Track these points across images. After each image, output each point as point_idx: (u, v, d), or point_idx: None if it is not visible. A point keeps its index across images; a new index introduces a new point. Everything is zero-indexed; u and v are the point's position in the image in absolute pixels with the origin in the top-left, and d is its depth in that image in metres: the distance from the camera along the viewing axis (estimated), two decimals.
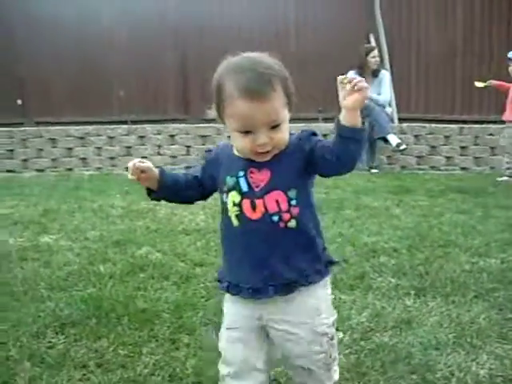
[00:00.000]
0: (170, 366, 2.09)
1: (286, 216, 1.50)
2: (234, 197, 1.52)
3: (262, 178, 1.52)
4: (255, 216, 1.50)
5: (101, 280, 3.01)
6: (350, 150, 1.44)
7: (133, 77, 8.67)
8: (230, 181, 1.54)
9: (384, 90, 7.85)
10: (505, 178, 6.85)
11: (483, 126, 8.41)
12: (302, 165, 1.51)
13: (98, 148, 8.34)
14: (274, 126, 1.46)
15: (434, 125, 8.24)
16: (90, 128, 8.31)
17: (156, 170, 1.59)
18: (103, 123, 8.40)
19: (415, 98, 8.88)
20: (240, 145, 1.49)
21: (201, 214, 4.67)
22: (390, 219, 4.47)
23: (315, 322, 1.56)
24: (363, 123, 1.45)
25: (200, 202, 4.39)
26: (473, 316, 2.55)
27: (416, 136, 8.25)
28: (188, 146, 8.40)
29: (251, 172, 1.52)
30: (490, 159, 8.31)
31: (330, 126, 8.13)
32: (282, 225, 1.50)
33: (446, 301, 2.74)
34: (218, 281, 1.63)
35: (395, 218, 4.51)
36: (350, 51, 8.03)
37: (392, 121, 8.18)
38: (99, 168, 8.26)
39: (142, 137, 8.35)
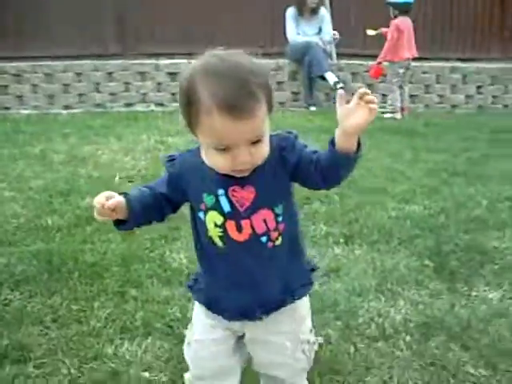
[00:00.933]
0: (121, 320, 2.30)
1: (274, 234, 1.39)
2: (214, 217, 1.38)
3: (246, 196, 1.37)
4: (241, 238, 1.37)
5: (49, 234, 3.15)
6: (340, 175, 1.34)
7: (70, 11, 8.46)
8: (208, 200, 1.39)
9: (325, 29, 7.98)
10: (388, 115, 7.35)
11: (417, 63, 8.65)
12: (287, 177, 1.39)
13: (35, 85, 8.20)
14: (256, 141, 1.29)
15: (371, 62, 8.43)
16: (24, 65, 8.14)
17: (122, 200, 1.36)
18: (39, 58, 8.24)
19: (354, 34, 9.02)
20: (216, 162, 1.32)
21: (142, 160, 4.79)
22: None
23: (300, 329, 1.52)
24: (359, 143, 1.28)
25: (143, 146, 4.51)
26: (394, 263, 2.84)
27: (353, 73, 8.44)
28: (127, 83, 8.32)
29: (233, 190, 1.36)
30: (424, 97, 8.61)
31: (270, 62, 8.30)
32: (270, 245, 1.39)
33: (371, 248, 3.02)
34: (190, 288, 1.57)
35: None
36: None
37: (331, 58, 8.33)
38: (36, 106, 8.13)
39: (79, 74, 8.23)
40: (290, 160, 1.36)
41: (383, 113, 7.45)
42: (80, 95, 8.17)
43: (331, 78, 7.71)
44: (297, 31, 7.94)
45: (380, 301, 2.47)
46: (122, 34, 8.70)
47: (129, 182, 4.17)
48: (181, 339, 2.09)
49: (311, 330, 1.55)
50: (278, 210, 1.38)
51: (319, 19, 7.98)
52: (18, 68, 8.12)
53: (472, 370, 2.01)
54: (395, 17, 7.48)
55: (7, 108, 8.02)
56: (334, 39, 7.81)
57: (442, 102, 8.61)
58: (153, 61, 8.37)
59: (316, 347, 1.56)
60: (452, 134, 6.19)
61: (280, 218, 1.38)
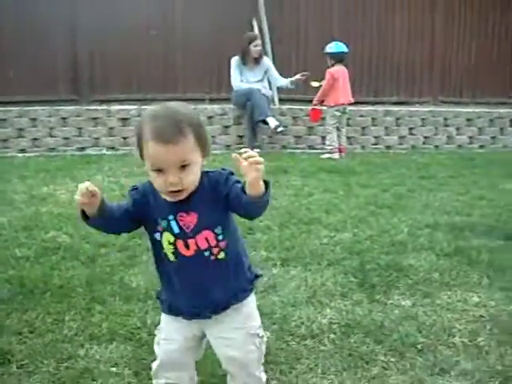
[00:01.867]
0: (89, 329, 2.68)
1: (216, 250, 1.77)
2: (168, 237, 1.76)
3: (190, 220, 1.75)
4: (189, 253, 1.76)
5: (19, 262, 3.51)
6: (258, 208, 1.72)
7: (25, 58, 8.81)
8: (162, 223, 1.77)
9: (275, 75, 8.63)
10: (326, 155, 7.97)
11: (355, 108, 9.31)
12: (222, 205, 1.75)
13: None
14: (184, 166, 1.66)
15: (310, 107, 9.03)
16: None
17: (100, 196, 1.69)
18: None
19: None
20: (155, 183, 1.70)
21: None
22: None
23: (249, 325, 1.87)
24: (266, 185, 1.65)
25: (98, 186, 4.94)
26: (324, 280, 3.30)
27: (294, 117, 9.02)
28: (80, 128, 8.68)
29: (180, 216, 1.75)
30: (360, 138, 9.24)
31: (216, 107, 8.84)
32: (212, 258, 1.77)
33: (304, 269, 3.48)
34: (158, 299, 1.95)
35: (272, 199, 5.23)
36: (233, 36, 8.71)
37: (273, 103, 8.91)
38: None
39: (33, 119, 8.55)
40: (222, 192, 1.74)
41: (322, 153, 8.05)
42: (34, 139, 8.49)
43: (272, 122, 8.25)
44: (240, 79, 8.49)
45: (310, 309, 2.92)
46: (76, 80, 9.12)
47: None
48: (141, 343, 2.55)
49: (260, 326, 1.91)
50: (218, 230, 1.77)
51: (262, 67, 8.57)
52: None
53: (382, 358, 2.46)
54: (332, 65, 8.13)
55: None
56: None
57: (378, 143, 9.27)
58: (105, 107, 8.78)
59: (265, 339, 1.94)
60: (384, 172, 6.78)
61: (220, 237, 1.77)
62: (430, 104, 10.13)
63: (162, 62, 9.36)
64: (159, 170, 1.67)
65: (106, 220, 1.74)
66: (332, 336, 2.64)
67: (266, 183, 1.67)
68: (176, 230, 1.76)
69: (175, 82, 9.36)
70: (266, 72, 8.66)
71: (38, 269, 3.40)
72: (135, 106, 8.73)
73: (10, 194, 5.35)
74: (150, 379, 2.19)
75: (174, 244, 1.77)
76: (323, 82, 8.16)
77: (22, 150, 8.34)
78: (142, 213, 1.79)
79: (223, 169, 1.80)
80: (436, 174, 6.73)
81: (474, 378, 2.31)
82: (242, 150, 1.64)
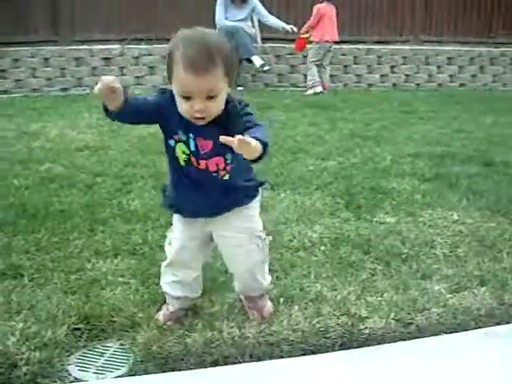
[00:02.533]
0: (94, 246, 2.82)
1: (222, 173, 1.92)
2: (182, 147, 1.88)
3: (206, 145, 1.87)
4: (200, 166, 1.90)
5: (18, 191, 3.62)
6: (262, 159, 1.77)
7: None
8: (181, 135, 1.86)
9: (264, 12, 8.66)
10: (310, 91, 8.11)
11: (338, 46, 9.36)
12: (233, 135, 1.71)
13: None
14: (211, 97, 1.74)
15: (293, 45, 9.06)
16: None
17: (122, 89, 1.73)
18: None
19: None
20: (181, 108, 1.78)
21: (88, 133, 5.28)
22: None
23: (252, 226, 2.04)
24: (264, 146, 1.72)
25: (86, 122, 5.07)
26: (312, 202, 3.47)
27: (277, 56, 9.08)
28: (63, 68, 8.66)
29: (199, 139, 1.86)
30: (343, 77, 9.34)
31: None
32: (219, 177, 1.92)
33: (293, 192, 3.64)
34: (163, 192, 2.07)
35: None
36: None
37: (256, 41, 8.94)
38: None
39: (16, 60, 8.50)
40: (234, 125, 1.81)
41: (305, 91, 8.16)
42: (17, 81, 8.47)
43: (257, 60, 8.32)
44: (225, 16, 8.49)
45: (300, 226, 3.09)
46: (56, 20, 9.03)
47: (79, 151, 4.65)
48: (144, 257, 2.70)
49: (261, 230, 2.08)
50: (228, 157, 1.89)
51: (249, 6, 8.57)
52: None
53: (370, 265, 2.65)
54: (320, 2, 8.18)
55: None
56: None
57: (360, 81, 9.38)
58: (86, 46, 8.74)
59: (267, 242, 2.11)
60: (366, 107, 6.93)
61: (229, 161, 1.90)
62: (411, 43, 10.20)
63: (144, 1, 9.29)
64: (187, 97, 1.75)
65: (128, 115, 1.80)
66: (323, 248, 2.82)
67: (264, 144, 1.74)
68: (192, 147, 1.88)
69: (156, 21, 9.32)
70: (252, 10, 8.65)
71: (37, 196, 3.53)
72: (118, 46, 8.73)
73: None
74: (156, 285, 2.37)
75: (187, 156, 1.90)
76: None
77: (5, 92, 8.32)
78: (163, 116, 1.87)
79: (240, 101, 1.87)
80: (417, 109, 6.90)
81: (454, 282, 2.51)
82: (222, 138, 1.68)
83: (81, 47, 8.72)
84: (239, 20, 8.50)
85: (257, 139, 1.70)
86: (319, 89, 8.09)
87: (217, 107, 1.79)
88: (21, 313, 2.22)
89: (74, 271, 2.58)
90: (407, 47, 9.77)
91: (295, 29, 8.40)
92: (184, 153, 1.90)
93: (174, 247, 2.08)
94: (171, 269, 2.12)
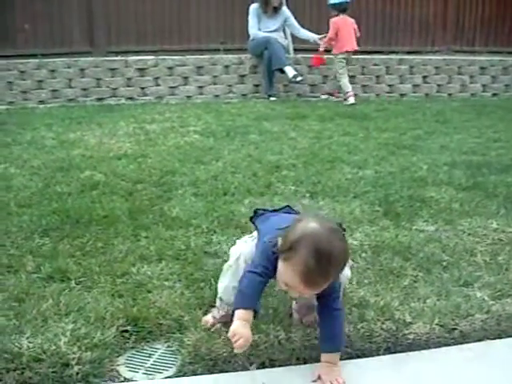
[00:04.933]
0: (138, 251, 2.89)
1: None
2: None
3: None
4: None
5: (61, 197, 3.70)
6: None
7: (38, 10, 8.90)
8: None
9: (296, 24, 8.78)
10: (346, 102, 8.26)
11: (368, 56, 9.39)
12: None
13: (10, 83, 8.61)
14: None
15: (325, 56, 9.09)
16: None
17: (251, 316, 1.88)
18: (10, 57, 8.65)
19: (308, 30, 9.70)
20: (280, 285, 1.91)
21: (127, 142, 5.36)
22: (288, 141, 5.38)
23: None
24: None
25: (124, 131, 5.16)
26: (351, 209, 3.49)
27: (310, 66, 9.11)
28: (98, 79, 8.80)
29: None
30: (375, 87, 9.35)
31: (232, 56, 8.96)
32: None
33: (332, 200, 3.67)
34: None
35: (293, 140, 5.43)
36: None
37: (288, 52, 9.00)
38: (11, 102, 8.53)
39: (52, 71, 8.67)
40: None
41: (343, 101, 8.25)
42: (53, 91, 8.63)
43: (290, 71, 8.37)
44: (258, 27, 8.57)
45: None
46: (91, 33, 9.22)
47: (118, 159, 4.74)
48: (188, 262, 2.76)
49: None
50: None
51: (281, 16, 8.66)
52: None
53: (411, 272, 2.67)
54: (336, 15, 8.35)
55: None
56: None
57: (392, 92, 9.37)
58: (122, 58, 8.88)
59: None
60: (400, 117, 6.92)
61: None
62: (443, 53, 10.18)
63: (177, 13, 9.43)
64: (286, 285, 1.86)
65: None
66: (363, 255, 2.84)
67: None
68: None
69: (189, 33, 9.46)
70: (284, 21, 8.74)
71: (80, 202, 3.60)
72: (152, 57, 8.85)
73: (39, 139, 5.52)
74: (201, 289, 2.43)
75: None
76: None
77: (42, 102, 8.48)
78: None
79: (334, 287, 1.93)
80: (451, 118, 6.87)
81: (496, 289, 2.51)
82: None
83: (116, 58, 8.85)
84: (272, 30, 8.58)
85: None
86: (352, 100, 8.13)
87: (315, 293, 1.90)
88: (70, 315, 2.28)
89: (119, 275, 2.64)
90: (439, 57, 9.73)
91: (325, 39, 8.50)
92: None
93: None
94: (235, 274, 2.12)
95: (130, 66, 8.81)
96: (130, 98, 8.72)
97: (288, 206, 2.33)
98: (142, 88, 8.81)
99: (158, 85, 8.86)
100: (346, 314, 2.23)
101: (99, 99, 8.67)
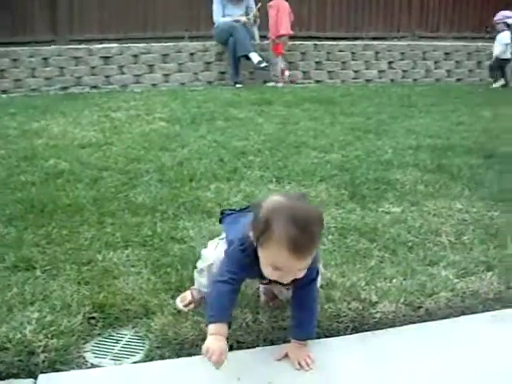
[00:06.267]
0: (104, 238, 2.85)
1: None
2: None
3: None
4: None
5: (25, 186, 3.64)
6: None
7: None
8: (252, 280, 2.06)
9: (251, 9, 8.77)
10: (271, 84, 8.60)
11: (334, 42, 9.42)
12: None
13: None
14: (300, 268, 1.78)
15: (290, 42, 9.08)
16: None
17: (225, 333, 1.83)
18: None
19: None
20: (266, 272, 1.80)
21: (91, 131, 5.29)
22: (254, 127, 5.37)
23: None
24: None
25: (88, 120, 5.06)
26: (317, 193, 3.51)
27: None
28: (61, 68, 8.66)
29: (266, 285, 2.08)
30: (341, 73, 9.38)
31: (197, 44, 8.91)
32: None
33: (298, 184, 3.68)
34: None
35: (259, 126, 5.42)
36: None
37: (254, 38, 8.97)
38: None
39: (15, 60, 8.50)
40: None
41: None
42: (16, 80, 8.48)
43: (255, 57, 8.36)
44: (223, 14, 8.53)
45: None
46: (54, 21, 9.06)
47: (82, 148, 4.67)
48: (154, 248, 2.72)
49: None
50: None
51: (245, 2, 8.64)
52: None
53: (377, 253, 2.69)
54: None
55: None
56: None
57: (358, 77, 9.42)
58: (85, 46, 8.76)
59: None
60: (366, 102, 6.97)
61: None
62: (408, 39, 10.26)
63: (141, 0, 9.34)
64: (277, 268, 1.76)
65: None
66: (330, 237, 2.85)
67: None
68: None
69: (154, 19, 9.38)
70: (246, 8, 8.72)
71: (44, 191, 3.54)
72: (116, 45, 8.76)
73: (1, 129, 5.42)
74: (168, 274, 2.41)
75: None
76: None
77: (4, 91, 8.32)
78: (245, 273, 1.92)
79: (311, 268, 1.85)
80: (416, 103, 6.94)
81: (461, 267, 2.54)
82: None
83: (79, 46, 8.72)
84: (237, 17, 8.54)
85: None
86: (280, 84, 8.52)
87: (302, 274, 1.81)
88: (35, 303, 2.25)
89: (85, 263, 2.61)
90: (404, 43, 9.80)
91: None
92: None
93: None
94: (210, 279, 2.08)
95: (94, 54, 8.71)
96: (95, 87, 8.62)
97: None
98: (107, 76, 8.72)
99: (122, 73, 8.78)
100: None
101: (63, 88, 8.55)
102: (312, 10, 10.01)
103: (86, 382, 1.87)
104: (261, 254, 1.78)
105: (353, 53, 9.40)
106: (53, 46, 8.71)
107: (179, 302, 2.22)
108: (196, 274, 2.21)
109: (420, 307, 2.24)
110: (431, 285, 2.36)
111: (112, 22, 9.24)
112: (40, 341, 1.98)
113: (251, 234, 1.80)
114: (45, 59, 8.59)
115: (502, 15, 9.18)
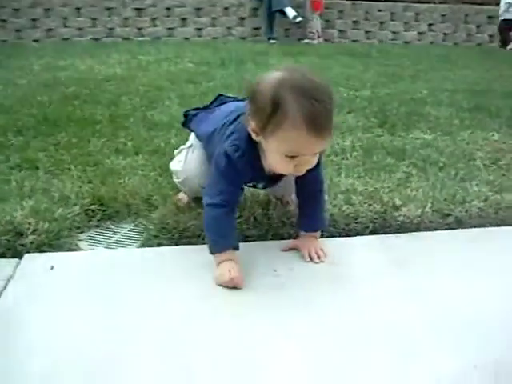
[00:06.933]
0: (114, 145, 2.70)
1: None
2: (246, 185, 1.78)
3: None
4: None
5: (41, 105, 3.52)
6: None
7: None
8: (251, 184, 1.80)
9: None
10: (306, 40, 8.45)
11: (373, 2, 9.11)
12: None
13: (3, 20, 8.36)
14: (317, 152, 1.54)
15: (328, 0, 8.82)
16: None
17: (236, 255, 1.63)
18: None
19: None
20: (280, 166, 1.54)
21: (117, 68, 5.16)
22: None
23: None
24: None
25: (116, 60, 4.90)
26: (344, 119, 3.30)
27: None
28: (94, 19, 8.56)
29: (270, 185, 1.82)
30: (378, 33, 9.08)
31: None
32: None
33: None
34: None
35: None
36: None
37: None
38: (4, 41, 8.28)
39: (47, 9, 8.42)
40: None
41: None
42: (48, 30, 8.40)
43: (290, 11, 8.12)
44: None
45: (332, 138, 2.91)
46: None
47: (106, 81, 4.53)
48: (165, 155, 2.54)
49: None
50: None
51: None
52: None
53: (405, 169, 2.46)
54: None
55: None
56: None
57: (396, 39, 9.10)
58: None
59: None
60: (402, 57, 6.68)
61: None
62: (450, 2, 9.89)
63: None
64: (292, 156, 1.49)
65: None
66: (354, 153, 2.64)
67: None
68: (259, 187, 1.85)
69: None
70: None
71: (60, 109, 3.42)
72: None
73: (27, 65, 5.33)
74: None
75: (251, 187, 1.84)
76: None
77: (36, 41, 8.25)
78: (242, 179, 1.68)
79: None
80: (455, 60, 6.63)
81: (496, 185, 2.31)
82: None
83: None
84: None
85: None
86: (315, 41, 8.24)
87: (316, 160, 1.57)
88: (33, 197, 2.09)
89: (91, 165, 2.46)
90: (446, 5, 9.43)
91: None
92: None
93: None
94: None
95: (128, 5, 8.55)
96: (127, 39, 8.49)
97: (220, 94, 2.04)
98: (139, 28, 8.60)
99: (155, 25, 8.65)
100: (330, 199, 2.05)
101: (95, 39, 8.44)
102: None
103: (74, 263, 1.72)
104: (270, 144, 1.51)
105: (392, 13, 9.07)
106: None
107: (177, 201, 2.05)
108: (179, 186, 2.04)
109: (449, 215, 2.02)
110: (462, 194, 2.15)
111: None
112: (30, 224, 1.83)
113: (252, 124, 1.52)
114: (77, 9, 8.48)
115: None
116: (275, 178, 1.74)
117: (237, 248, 1.64)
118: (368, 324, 1.43)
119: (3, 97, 3.82)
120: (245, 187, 1.76)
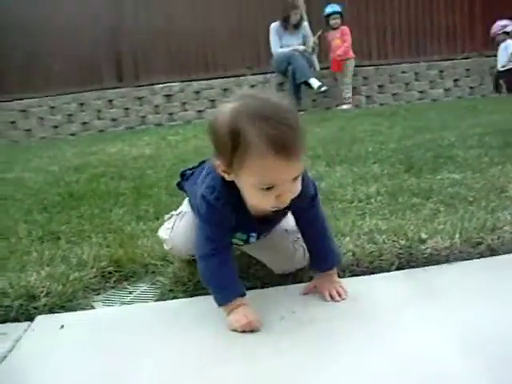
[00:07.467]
0: (136, 213, 2.70)
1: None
2: (239, 238, 1.65)
3: (267, 231, 1.70)
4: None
5: (68, 184, 3.58)
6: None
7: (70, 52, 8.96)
8: (239, 235, 1.64)
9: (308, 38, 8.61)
10: (344, 107, 8.41)
11: (395, 65, 9.17)
12: None
13: (41, 118, 8.68)
14: (295, 178, 1.41)
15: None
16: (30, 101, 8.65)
17: (246, 300, 1.55)
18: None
19: None
20: (259, 202, 1.44)
21: (147, 149, 5.24)
22: (310, 134, 5.13)
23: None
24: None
25: (146, 142, 4.97)
26: (369, 170, 3.23)
27: (336, 79, 8.95)
28: (126, 109, 8.81)
29: (263, 234, 1.69)
30: (405, 94, 9.09)
31: (257, 77, 8.88)
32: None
33: (350, 166, 3.41)
34: None
35: (315, 134, 5.16)
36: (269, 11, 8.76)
37: (313, 67, 8.83)
38: (43, 138, 8.57)
39: (81, 104, 8.72)
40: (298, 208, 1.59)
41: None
42: (83, 123, 8.67)
43: (315, 82, 8.21)
44: (280, 44, 8.47)
45: (355, 186, 2.85)
46: (119, 70, 9.22)
47: (134, 159, 4.59)
48: None
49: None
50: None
51: (301, 31, 8.55)
52: (24, 104, 8.62)
53: (432, 206, 2.38)
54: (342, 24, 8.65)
55: (15, 141, 8.47)
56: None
57: (423, 98, 9.09)
58: (147, 87, 8.86)
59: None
60: (430, 111, 6.62)
61: None
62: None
63: (202, 44, 9.35)
64: (269, 187, 1.39)
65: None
66: (379, 198, 2.57)
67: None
68: (253, 240, 1.68)
69: (214, 61, 9.40)
70: (304, 37, 8.63)
71: (86, 186, 3.46)
72: (178, 83, 8.83)
73: (60, 154, 5.47)
74: None
75: (245, 241, 1.69)
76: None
77: (73, 134, 8.51)
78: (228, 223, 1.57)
79: (304, 181, 1.52)
80: (483, 108, 6.54)
81: None
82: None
83: (143, 87, 8.83)
84: (294, 46, 8.45)
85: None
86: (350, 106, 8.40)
87: (299, 187, 1.45)
88: (51, 264, 2.08)
89: (112, 232, 2.45)
90: (469, 60, 9.41)
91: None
92: (241, 239, 1.68)
93: None
94: None
95: (157, 93, 8.80)
96: (159, 125, 8.68)
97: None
98: (170, 114, 8.79)
99: (185, 109, 8.83)
100: (352, 240, 1.97)
101: (128, 128, 8.65)
102: (372, 41, 9.76)
103: (85, 321, 1.66)
104: (242, 180, 1.42)
105: (416, 73, 9.10)
106: (117, 89, 8.85)
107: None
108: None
109: (480, 243, 1.91)
110: (492, 221, 2.03)
111: (175, 67, 9.22)
112: (43, 287, 1.80)
113: (219, 165, 1.43)
114: (110, 101, 8.75)
115: (498, 26, 8.75)
116: (266, 222, 1.62)
117: (243, 295, 1.55)
118: (399, 358, 1.32)
119: (33, 182, 3.90)
120: None
